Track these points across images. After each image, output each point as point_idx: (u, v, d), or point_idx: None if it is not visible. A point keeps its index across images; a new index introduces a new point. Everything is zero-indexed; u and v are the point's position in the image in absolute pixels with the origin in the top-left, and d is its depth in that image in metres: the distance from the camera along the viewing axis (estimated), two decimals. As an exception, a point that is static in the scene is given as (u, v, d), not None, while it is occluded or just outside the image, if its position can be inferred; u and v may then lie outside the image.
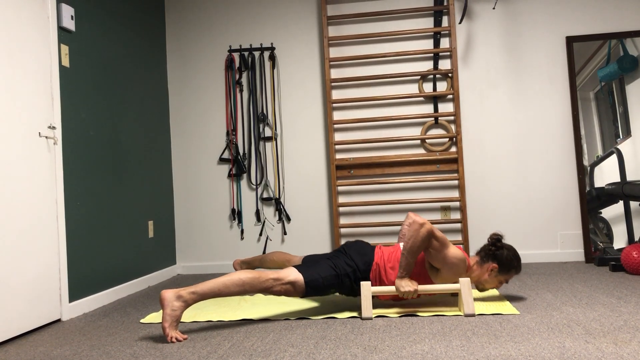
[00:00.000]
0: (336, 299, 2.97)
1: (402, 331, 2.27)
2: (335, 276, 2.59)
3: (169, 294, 2.32)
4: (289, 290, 2.50)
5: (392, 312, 2.58)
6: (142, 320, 2.70)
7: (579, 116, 3.93)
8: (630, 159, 3.80)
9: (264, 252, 4.19)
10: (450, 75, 4.04)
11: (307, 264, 2.62)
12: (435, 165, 4.03)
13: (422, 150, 4.09)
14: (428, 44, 4.12)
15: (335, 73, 4.19)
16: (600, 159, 3.88)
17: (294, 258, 3.11)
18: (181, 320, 2.61)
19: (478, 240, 4.01)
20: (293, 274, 2.51)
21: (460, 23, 4.04)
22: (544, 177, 3.99)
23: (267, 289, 2.46)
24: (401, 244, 2.73)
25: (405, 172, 4.06)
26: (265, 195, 4.24)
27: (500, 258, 2.63)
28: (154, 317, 2.74)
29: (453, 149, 4.06)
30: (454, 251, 2.55)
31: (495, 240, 2.67)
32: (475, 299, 2.78)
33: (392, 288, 2.53)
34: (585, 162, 3.92)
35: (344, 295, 2.73)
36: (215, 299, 3.12)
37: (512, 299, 2.78)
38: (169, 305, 2.31)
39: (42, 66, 2.77)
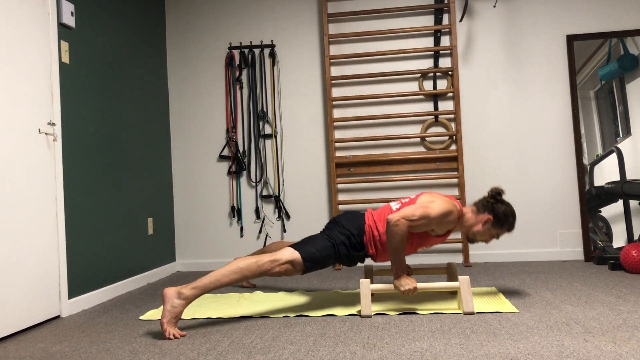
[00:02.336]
0: (335, 295, 2.97)
1: (401, 329, 2.28)
2: (332, 246, 2.59)
3: (170, 291, 2.33)
4: (289, 269, 2.50)
5: (391, 310, 2.58)
6: (141, 317, 2.70)
7: (579, 115, 3.93)
8: (630, 158, 3.80)
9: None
10: (450, 73, 4.04)
11: (301, 241, 2.63)
12: (435, 164, 4.03)
13: (422, 149, 4.09)
14: (428, 42, 4.12)
15: (335, 71, 4.19)
16: (600, 158, 3.88)
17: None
18: (181, 318, 2.61)
19: (477, 238, 4.01)
20: (288, 252, 2.52)
21: (460, 21, 4.04)
22: (543, 176, 3.99)
23: (266, 272, 2.46)
24: (391, 203, 2.73)
25: (405, 170, 4.06)
26: (265, 193, 4.24)
27: (497, 211, 2.63)
28: (153, 314, 2.74)
29: (453, 147, 4.06)
30: (439, 209, 2.50)
31: (495, 194, 2.66)
32: (475, 297, 2.78)
33: (391, 286, 2.54)
34: (585, 161, 3.92)
35: (344, 265, 2.73)
36: (215, 296, 3.12)
37: (511, 297, 2.79)
38: (170, 301, 2.32)
39: (42, 63, 2.77)
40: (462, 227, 2.69)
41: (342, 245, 2.61)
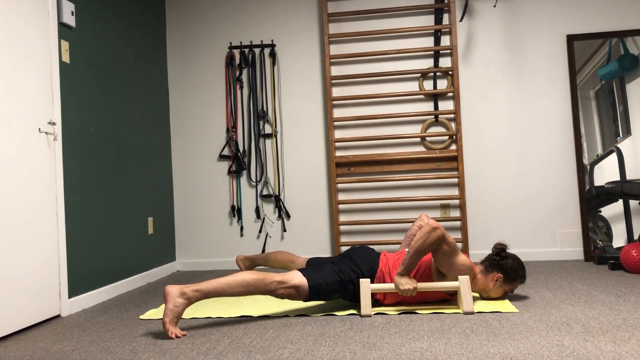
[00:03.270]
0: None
1: (401, 329, 2.28)
2: (339, 282, 2.58)
3: (173, 290, 2.33)
4: (292, 294, 2.50)
5: (391, 310, 2.58)
6: (141, 317, 2.70)
7: (579, 115, 3.93)
8: (630, 158, 3.80)
9: (263, 249, 4.20)
10: (450, 73, 4.04)
11: (312, 268, 2.61)
12: (435, 163, 4.03)
13: (422, 148, 4.09)
14: (428, 42, 4.12)
15: (335, 70, 4.19)
16: (600, 158, 3.88)
17: (298, 259, 3.10)
18: (181, 317, 2.62)
19: (477, 238, 4.01)
20: (297, 278, 2.51)
21: (460, 21, 4.04)
22: (543, 176, 3.99)
23: (271, 292, 2.46)
24: (406, 249, 2.72)
25: (405, 170, 4.06)
26: (265, 192, 4.24)
27: (505, 268, 2.64)
28: (154, 314, 2.74)
29: (453, 147, 4.06)
30: (463, 259, 2.55)
31: (500, 250, 2.67)
32: (475, 297, 2.78)
33: (391, 285, 2.54)
34: (585, 161, 3.92)
35: (349, 301, 2.73)
36: (215, 296, 3.12)
37: (511, 297, 2.79)
38: (172, 300, 2.31)
39: (42, 62, 2.77)
40: (475, 287, 2.70)
41: (350, 284, 2.60)
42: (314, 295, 2.54)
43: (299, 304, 2.80)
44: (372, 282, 2.63)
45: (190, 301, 2.34)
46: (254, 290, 2.42)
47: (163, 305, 2.90)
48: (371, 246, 4.08)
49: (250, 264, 3.36)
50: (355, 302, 2.73)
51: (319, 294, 2.55)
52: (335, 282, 2.57)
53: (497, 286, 2.66)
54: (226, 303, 2.91)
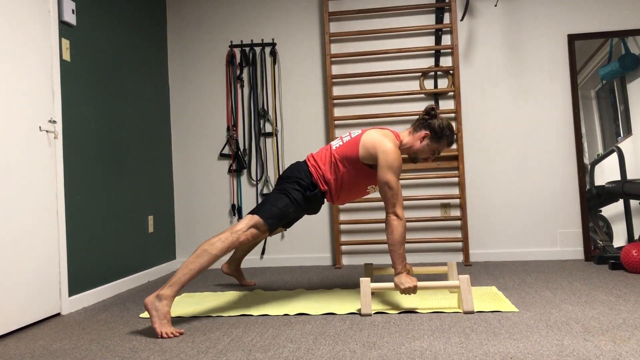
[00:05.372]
0: (335, 294, 2.98)
1: (401, 328, 2.28)
2: (285, 196, 2.64)
3: (149, 299, 2.35)
4: (255, 233, 2.54)
5: (391, 309, 2.58)
6: (141, 315, 2.70)
7: (580, 114, 3.93)
8: (631, 158, 3.80)
9: (263, 248, 4.19)
10: (451, 72, 4.03)
11: (257, 205, 2.67)
12: (435, 163, 4.03)
13: (422, 148, 4.08)
14: (429, 41, 4.12)
15: (336, 69, 4.19)
16: (601, 157, 3.88)
17: None
18: (180, 315, 2.62)
19: (478, 238, 4.01)
20: (247, 219, 2.56)
21: (461, 20, 4.03)
22: (544, 175, 3.99)
23: (233, 244, 2.48)
24: (332, 142, 2.80)
25: (406, 169, 4.05)
26: (265, 191, 4.24)
27: (433, 126, 2.69)
28: (154, 312, 2.74)
29: (454, 146, 4.05)
30: (394, 152, 2.58)
31: (430, 109, 2.72)
32: (475, 296, 2.78)
33: (391, 284, 2.54)
34: (586, 160, 3.92)
35: (306, 212, 2.77)
36: (215, 294, 3.12)
37: (511, 296, 2.79)
38: (152, 307, 2.33)
39: (42, 60, 2.77)
40: (403, 152, 2.75)
41: (295, 192, 2.65)
42: (273, 222, 2.58)
43: (299, 300, 2.80)
44: (311, 180, 2.68)
45: (169, 299, 2.34)
46: (217, 252, 2.44)
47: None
48: (371, 247, 4.08)
49: (235, 263, 3.35)
50: (312, 208, 2.75)
51: (275, 218, 2.58)
52: (280, 198, 2.63)
53: (424, 145, 2.71)
54: (226, 302, 2.92)
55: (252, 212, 2.60)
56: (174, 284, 2.37)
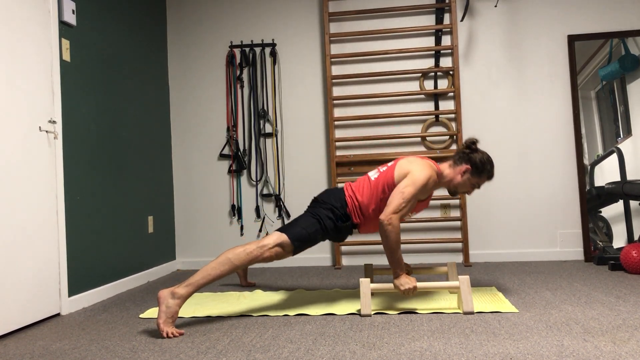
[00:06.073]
0: (335, 294, 2.97)
1: (401, 328, 2.28)
2: (317, 222, 2.61)
3: (164, 292, 2.34)
4: (279, 252, 2.51)
5: (391, 310, 2.58)
6: (141, 315, 2.70)
7: (580, 115, 3.93)
8: (631, 158, 3.80)
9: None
10: (451, 72, 4.04)
11: (287, 224, 2.65)
12: (435, 163, 4.03)
13: (422, 148, 4.08)
14: (429, 42, 4.12)
15: (336, 70, 4.19)
16: (601, 158, 3.88)
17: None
18: (181, 316, 2.62)
19: (478, 238, 4.01)
20: (275, 236, 2.53)
21: (461, 21, 4.04)
22: (544, 176, 3.99)
23: (256, 258, 2.47)
24: (370, 173, 2.76)
25: (406, 170, 4.05)
26: (265, 192, 4.24)
27: (474, 160, 2.65)
28: (153, 312, 2.74)
29: (454, 146, 4.05)
30: (422, 177, 2.53)
31: (470, 144, 2.69)
32: (474, 297, 2.78)
33: (391, 285, 2.54)
34: (586, 161, 3.92)
35: (333, 239, 2.74)
36: (215, 295, 3.12)
37: (511, 297, 2.79)
38: (164, 302, 2.32)
39: (42, 60, 2.77)
40: (443, 184, 2.72)
41: (327, 220, 2.62)
42: (299, 244, 2.55)
43: (299, 300, 2.80)
44: (346, 210, 2.64)
45: (182, 299, 2.35)
46: (239, 263, 2.44)
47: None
48: (371, 247, 4.08)
49: (242, 272, 3.38)
50: (340, 237, 2.71)
51: (302, 241, 2.56)
52: (312, 224, 2.59)
53: (465, 179, 2.67)
54: (226, 302, 2.92)
55: (281, 230, 2.56)
56: (190, 285, 2.36)
